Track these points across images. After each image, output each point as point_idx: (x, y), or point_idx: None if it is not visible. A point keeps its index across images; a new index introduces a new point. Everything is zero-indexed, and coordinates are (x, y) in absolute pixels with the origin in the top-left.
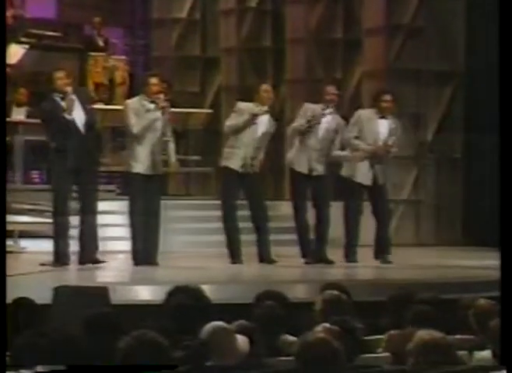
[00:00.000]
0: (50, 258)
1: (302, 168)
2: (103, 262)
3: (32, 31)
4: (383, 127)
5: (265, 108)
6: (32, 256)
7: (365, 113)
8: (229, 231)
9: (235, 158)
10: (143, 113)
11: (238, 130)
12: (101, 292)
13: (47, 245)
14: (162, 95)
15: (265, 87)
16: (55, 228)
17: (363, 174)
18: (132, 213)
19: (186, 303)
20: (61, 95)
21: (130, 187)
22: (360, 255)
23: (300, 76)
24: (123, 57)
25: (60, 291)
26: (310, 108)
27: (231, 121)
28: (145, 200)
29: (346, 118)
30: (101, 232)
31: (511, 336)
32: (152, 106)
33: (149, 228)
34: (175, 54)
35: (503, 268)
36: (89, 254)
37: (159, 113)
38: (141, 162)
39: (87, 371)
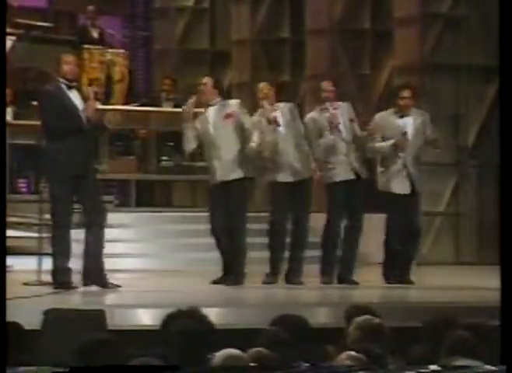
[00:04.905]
0: (37, 277)
1: (347, 175)
2: (118, 286)
3: (19, 21)
4: (406, 126)
5: (267, 108)
6: (19, 276)
7: (382, 118)
8: (276, 247)
9: (280, 169)
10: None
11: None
12: (97, 316)
13: (35, 264)
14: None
15: (261, 86)
16: (54, 242)
17: (399, 182)
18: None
19: (188, 328)
20: (66, 83)
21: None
22: (377, 274)
23: (323, 72)
24: (122, 51)
25: (50, 315)
26: (316, 115)
27: (262, 140)
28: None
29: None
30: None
31: (511, 336)
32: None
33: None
34: (180, 46)
35: (503, 266)
36: (97, 275)
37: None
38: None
39: (87, 371)
